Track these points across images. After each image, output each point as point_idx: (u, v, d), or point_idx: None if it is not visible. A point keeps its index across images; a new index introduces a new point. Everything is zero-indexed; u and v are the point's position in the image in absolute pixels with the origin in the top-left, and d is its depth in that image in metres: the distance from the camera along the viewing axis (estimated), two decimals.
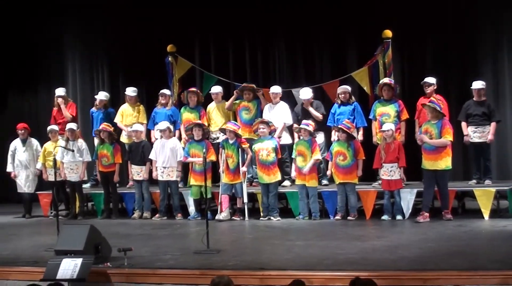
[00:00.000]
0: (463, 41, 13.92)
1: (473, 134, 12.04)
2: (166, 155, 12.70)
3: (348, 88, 12.57)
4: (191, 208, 12.77)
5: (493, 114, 12.01)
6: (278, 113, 12.86)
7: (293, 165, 12.25)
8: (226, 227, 11.78)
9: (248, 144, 12.47)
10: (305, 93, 12.81)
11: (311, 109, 12.66)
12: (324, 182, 12.64)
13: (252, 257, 8.71)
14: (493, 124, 11.96)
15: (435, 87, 12.22)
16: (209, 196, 12.08)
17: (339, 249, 9.04)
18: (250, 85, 13.25)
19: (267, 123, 12.27)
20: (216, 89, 13.52)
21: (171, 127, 13.05)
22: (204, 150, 11.39)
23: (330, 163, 12.04)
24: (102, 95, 14.29)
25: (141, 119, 13.90)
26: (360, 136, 12.36)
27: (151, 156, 12.81)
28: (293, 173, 12.26)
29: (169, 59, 14.08)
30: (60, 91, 14.39)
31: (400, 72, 14.01)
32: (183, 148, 12.86)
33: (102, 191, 13.40)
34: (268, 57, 15.29)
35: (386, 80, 12.29)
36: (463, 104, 12.33)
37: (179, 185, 13.04)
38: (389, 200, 11.66)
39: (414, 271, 7.55)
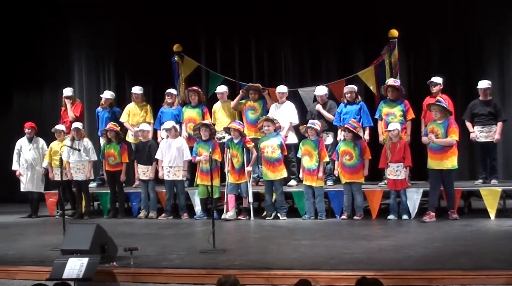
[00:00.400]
0: (469, 41, 13.95)
1: (479, 133, 12.03)
2: (173, 154, 12.71)
3: (354, 87, 12.57)
4: (197, 208, 12.78)
5: (499, 113, 11.99)
6: (284, 113, 12.86)
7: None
8: (232, 227, 11.78)
9: (253, 144, 12.47)
10: (320, 89, 12.84)
11: (322, 111, 12.64)
12: (329, 182, 12.63)
13: (258, 257, 8.70)
14: (499, 123, 11.95)
15: (441, 87, 12.21)
16: (217, 195, 12.19)
17: (345, 249, 9.02)
18: (255, 85, 13.25)
19: (272, 121, 12.26)
20: (222, 89, 13.53)
21: (177, 127, 13.05)
22: (210, 149, 11.41)
23: (336, 162, 12.04)
24: (107, 94, 14.32)
25: (148, 119, 13.93)
26: (366, 136, 12.36)
27: (157, 155, 12.82)
28: (301, 174, 12.27)
29: (175, 58, 14.09)
30: (67, 91, 14.42)
31: (406, 71, 14.02)
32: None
33: (108, 191, 13.43)
34: (274, 57, 15.30)
35: (391, 81, 12.26)
36: (468, 104, 12.32)
37: (185, 185, 13.04)
38: (395, 199, 11.65)
39: (420, 271, 7.54)
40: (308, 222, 11.79)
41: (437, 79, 12.22)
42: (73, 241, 8.54)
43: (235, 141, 12.38)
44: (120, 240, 9.43)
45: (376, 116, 12.44)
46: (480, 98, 12.09)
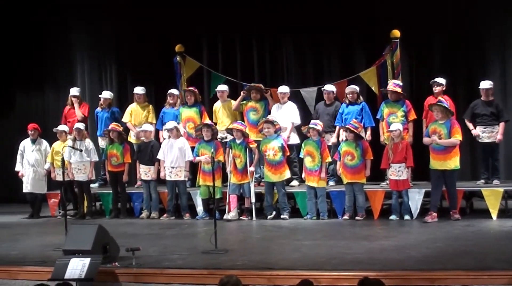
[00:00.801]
0: (471, 41, 13.94)
1: (481, 134, 12.02)
2: (175, 155, 12.71)
3: (356, 88, 12.57)
4: (199, 208, 12.79)
5: (501, 114, 11.98)
6: (286, 113, 12.85)
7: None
8: (234, 227, 11.78)
9: (255, 144, 12.46)
10: (329, 86, 12.90)
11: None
12: (331, 183, 12.63)
13: (260, 257, 8.70)
14: (501, 124, 11.94)
15: (443, 88, 12.20)
16: (219, 196, 12.19)
17: (347, 249, 9.03)
18: (257, 85, 13.25)
19: (271, 123, 12.24)
20: (222, 87, 13.53)
21: (179, 127, 13.05)
22: (212, 150, 11.41)
23: (338, 163, 12.04)
24: (106, 94, 14.33)
25: (150, 119, 13.93)
26: (368, 136, 12.36)
27: (159, 156, 12.82)
28: (303, 175, 12.27)
29: (177, 59, 14.10)
30: (74, 91, 14.45)
31: (408, 72, 14.01)
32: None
33: (110, 191, 13.43)
34: (276, 57, 15.30)
35: (390, 86, 12.23)
36: (470, 104, 12.32)
37: (187, 185, 13.04)
38: (397, 200, 11.65)
39: (422, 271, 7.54)
40: (310, 223, 11.79)
41: (441, 80, 12.22)
42: (75, 241, 8.54)
43: (238, 141, 12.38)
44: (122, 240, 9.43)
45: (378, 117, 12.43)
46: (482, 98, 12.08)
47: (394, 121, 11.97)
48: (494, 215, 11.30)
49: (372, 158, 11.88)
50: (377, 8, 13.92)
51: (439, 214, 11.29)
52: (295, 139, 12.93)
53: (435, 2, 13.66)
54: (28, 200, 14.12)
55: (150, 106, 14.18)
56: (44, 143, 14.13)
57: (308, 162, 12.02)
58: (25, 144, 14.07)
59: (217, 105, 13.53)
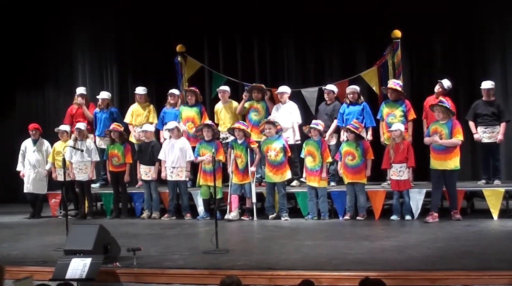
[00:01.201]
0: (472, 41, 13.94)
1: (482, 134, 12.01)
2: (176, 155, 12.71)
3: (356, 88, 12.57)
4: (200, 208, 12.79)
5: (502, 114, 11.98)
6: (286, 113, 12.85)
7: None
8: (235, 227, 11.78)
9: (257, 144, 12.47)
10: (331, 86, 12.93)
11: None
12: (332, 183, 12.63)
13: (261, 257, 8.70)
14: (503, 124, 11.94)
15: (445, 92, 12.16)
16: (220, 196, 12.18)
17: (348, 249, 9.02)
18: (258, 85, 13.24)
19: (273, 123, 12.23)
20: (223, 88, 13.50)
21: (180, 127, 13.05)
22: (213, 150, 11.41)
23: (339, 163, 12.04)
24: (105, 95, 14.32)
25: (151, 119, 13.93)
26: (369, 136, 12.36)
27: (160, 156, 12.82)
28: (304, 175, 12.27)
29: (178, 59, 14.12)
30: (82, 90, 14.47)
31: (409, 72, 14.02)
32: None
33: (111, 191, 13.43)
34: (277, 57, 15.30)
35: (391, 84, 12.23)
36: (471, 104, 12.31)
37: (188, 185, 13.04)
38: (398, 200, 11.65)
39: (423, 271, 7.53)
40: (311, 223, 11.79)
41: (446, 82, 12.19)
42: (76, 241, 8.54)
43: (239, 141, 12.38)
44: (123, 240, 9.44)
45: (378, 117, 12.43)
46: (483, 98, 12.07)
47: (393, 121, 11.97)
48: (495, 215, 11.31)
49: (373, 158, 11.88)
50: (378, 8, 13.91)
51: (440, 214, 11.29)
52: (296, 139, 12.94)
53: (436, 2, 13.65)
54: (28, 200, 14.12)
55: (151, 105, 14.17)
56: (46, 143, 14.11)
57: (309, 162, 12.03)
58: (27, 144, 14.06)
59: (219, 106, 13.53)
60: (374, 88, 13.11)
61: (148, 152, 13.04)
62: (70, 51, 16.84)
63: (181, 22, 15.07)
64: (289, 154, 12.33)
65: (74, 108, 14.44)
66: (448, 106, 11.23)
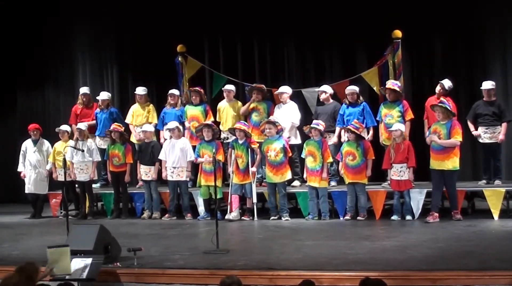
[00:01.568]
0: (472, 41, 13.94)
1: (483, 134, 12.01)
2: (176, 155, 12.70)
3: (355, 88, 12.55)
4: (201, 208, 12.78)
5: (503, 114, 11.98)
6: (286, 113, 12.85)
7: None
8: (235, 227, 11.78)
9: (257, 144, 12.46)
10: (325, 87, 12.95)
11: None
12: (333, 183, 12.63)
13: (261, 257, 8.70)
14: (504, 124, 11.94)
15: (445, 92, 12.16)
16: (220, 196, 12.17)
17: (348, 249, 9.03)
18: (259, 86, 13.24)
19: (273, 123, 12.23)
20: (229, 87, 13.50)
21: (180, 127, 13.04)
22: (214, 150, 11.40)
23: (340, 163, 12.04)
24: (104, 95, 14.31)
25: (151, 119, 13.92)
26: (370, 136, 12.35)
27: (161, 156, 12.82)
28: (305, 175, 12.27)
29: (179, 59, 14.12)
30: (85, 89, 14.48)
31: (409, 72, 14.01)
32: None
33: (112, 191, 13.43)
34: (277, 57, 15.29)
35: (389, 84, 12.22)
36: (472, 104, 12.31)
37: (188, 185, 13.04)
38: (399, 200, 11.65)
39: (424, 271, 7.54)
40: (311, 223, 11.79)
41: (447, 83, 12.19)
42: (76, 241, 8.52)
43: (240, 141, 12.38)
44: (123, 240, 9.44)
45: (377, 118, 12.43)
46: (484, 98, 12.07)
47: (391, 122, 11.97)
48: (495, 216, 11.31)
49: (373, 158, 11.88)
50: (378, 8, 13.91)
51: (440, 214, 11.30)
52: (297, 140, 12.92)
53: (436, 2, 13.65)
54: (29, 201, 14.11)
55: (151, 105, 14.15)
56: (46, 143, 14.10)
57: (309, 162, 12.02)
58: (27, 145, 14.05)
59: (222, 105, 13.51)
60: (374, 89, 13.10)
61: (148, 152, 13.04)
62: (70, 51, 16.84)
63: (181, 22, 15.06)
64: (290, 154, 12.32)
65: (78, 108, 14.43)
66: (448, 107, 11.22)
